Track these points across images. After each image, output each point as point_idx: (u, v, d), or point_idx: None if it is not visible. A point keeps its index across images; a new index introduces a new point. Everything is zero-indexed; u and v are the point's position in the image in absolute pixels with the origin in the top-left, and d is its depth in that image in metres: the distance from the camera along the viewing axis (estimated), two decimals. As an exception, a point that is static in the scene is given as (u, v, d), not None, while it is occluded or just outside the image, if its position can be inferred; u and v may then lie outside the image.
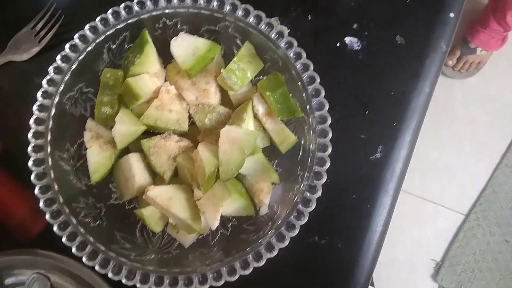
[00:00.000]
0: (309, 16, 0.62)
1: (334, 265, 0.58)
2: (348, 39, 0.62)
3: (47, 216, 0.49)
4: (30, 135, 0.50)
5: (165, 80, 0.57)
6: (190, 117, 0.56)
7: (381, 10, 0.63)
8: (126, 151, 0.56)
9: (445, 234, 1.73)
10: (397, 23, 0.63)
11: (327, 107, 0.49)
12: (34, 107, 0.51)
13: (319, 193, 0.48)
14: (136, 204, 0.57)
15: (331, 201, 0.59)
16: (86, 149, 0.55)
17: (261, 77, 0.55)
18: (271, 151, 0.56)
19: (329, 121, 0.49)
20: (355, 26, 0.63)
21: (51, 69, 0.51)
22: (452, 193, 1.76)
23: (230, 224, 0.56)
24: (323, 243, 0.59)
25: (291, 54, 0.50)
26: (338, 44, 0.63)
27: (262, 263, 0.47)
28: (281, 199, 0.54)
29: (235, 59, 0.52)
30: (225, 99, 0.57)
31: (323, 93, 0.49)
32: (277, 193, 0.55)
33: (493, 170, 1.77)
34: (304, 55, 0.50)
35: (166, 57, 0.57)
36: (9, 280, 0.59)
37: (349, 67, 0.62)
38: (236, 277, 0.47)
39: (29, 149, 0.50)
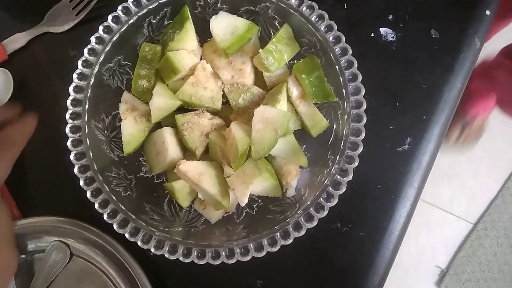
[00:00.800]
0: (345, 4, 0.63)
1: (355, 252, 0.59)
2: (383, 30, 0.63)
3: (81, 183, 0.50)
4: (68, 102, 0.51)
5: (201, 58, 0.58)
6: (224, 96, 0.57)
7: (417, 2, 0.63)
8: (158, 126, 0.57)
9: (452, 241, 1.73)
10: (432, 16, 0.63)
11: (363, 92, 0.49)
12: (74, 75, 0.51)
13: (350, 177, 0.49)
14: (164, 178, 0.58)
15: (356, 190, 0.59)
16: (120, 121, 0.56)
17: (295, 61, 0.56)
18: (300, 135, 0.57)
19: (364, 106, 0.49)
20: (390, 17, 0.63)
21: (93, 38, 0.52)
22: (462, 201, 1.76)
23: (256, 205, 0.56)
24: (345, 231, 0.59)
25: (330, 38, 0.51)
26: (372, 34, 0.63)
27: (289, 241, 0.48)
28: (308, 183, 0.54)
29: (273, 40, 0.53)
30: (259, 80, 0.57)
31: (359, 78, 0.50)
32: (305, 177, 0.56)
33: (504, 180, 1.77)
34: (343, 39, 0.50)
35: (203, 36, 0.58)
36: (30, 247, 0.60)
37: (382, 58, 0.62)
38: (264, 253, 0.47)
39: (67, 115, 0.51)
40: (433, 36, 0.62)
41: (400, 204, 0.59)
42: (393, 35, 0.63)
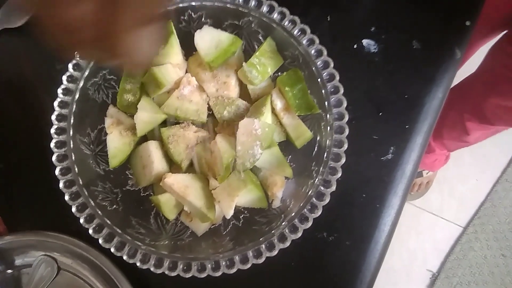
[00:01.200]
0: (328, 17, 0.64)
1: (341, 261, 0.59)
2: (365, 42, 0.64)
3: (67, 197, 0.50)
4: (53, 117, 0.51)
5: (186, 72, 0.58)
6: (209, 109, 0.57)
7: (399, 14, 0.65)
8: (143, 139, 0.57)
9: (442, 245, 1.74)
10: (414, 28, 0.64)
11: (345, 104, 0.50)
12: (59, 90, 0.52)
13: (333, 188, 0.49)
14: (151, 191, 0.58)
15: (341, 199, 0.60)
16: (106, 135, 0.56)
17: (279, 73, 0.57)
18: (285, 146, 0.57)
19: (347, 118, 0.50)
20: (372, 29, 0.64)
21: (77, 53, 0.52)
22: (451, 205, 1.77)
23: (242, 216, 0.57)
24: (331, 240, 0.60)
25: (312, 52, 0.52)
26: (355, 46, 0.64)
27: (274, 253, 0.48)
28: (294, 194, 0.55)
29: (257, 53, 0.54)
30: (243, 93, 0.58)
31: (341, 90, 0.50)
32: (290, 187, 0.56)
33: (493, 184, 1.78)
34: (325, 52, 0.51)
35: (188, 50, 0.59)
36: (17, 262, 0.60)
37: (365, 69, 0.63)
38: (249, 265, 0.48)
39: (52, 130, 0.51)
40: (414, 47, 0.64)
41: (385, 213, 0.60)
42: (375, 46, 0.64)
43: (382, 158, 0.61)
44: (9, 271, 0.60)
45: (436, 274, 1.71)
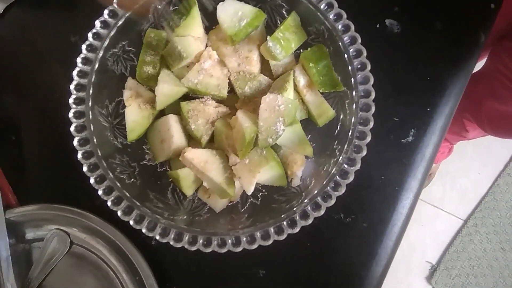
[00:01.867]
0: (351, -5, 0.63)
1: (358, 243, 0.59)
2: (388, 21, 0.63)
3: (85, 169, 0.49)
4: (72, 86, 0.50)
5: (207, 46, 0.57)
6: (229, 85, 0.56)
7: (423, -5, 0.63)
8: (161, 114, 0.56)
9: (442, 237, 1.74)
10: (437, 9, 0.63)
11: (371, 81, 0.49)
12: (78, 59, 0.50)
13: (358, 166, 0.48)
14: (167, 167, 0.57)
15: (359, 181, 0.58)
16: (124, 107, 0.55)
17: (301, 50, 0.55)
18: (305, 125, 0.56)
19: (373, 95, 0.49)
20: (396, 9, 0.63)
21: (97, 22, 0.51)
22: (453, 198, 1.77)
23: (260, 194, 0.56)
24: (348, 221, 0.59)
25: (339, 27, 0.50)
26: (378, 26, 0.63)
27: (296, 230, 0.47)
28: (314, 173, 0.54)
29: (281, 27, 0.52)
30: (265, 69, 0.57)
31: (368, 67, 0.49)
32: (310, 167, 0.56)
33: (495, 178, 1.78)
34: (352, 27, 0.50)
35: (209, 24, 0.57)
36: (28, 235, 0.59)
37: (387, 49, 0.62)
38: (270, 241, 0.47)
39: (71, 100, 0.50)
40: (437, 28, 0.63)
41: (404, 196, 0.60)
42: (398, 26, 0.63)
43: (402, 140, 0.60)
44: (21, 245, 0.59)
45: (435, 266, 1.71)
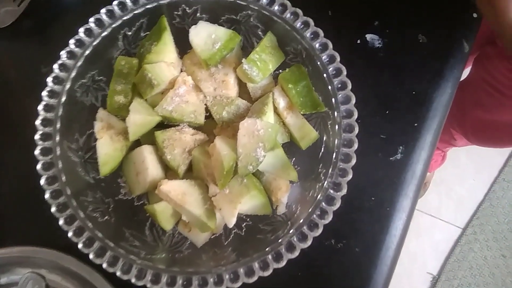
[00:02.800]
0: (329, 11, 0.61)
1: (351, 269, 0.56)
2: (369, 36, 0.61)
3: (53, 209, 0.45)
4: (38, 122, 0.47)
5: (181, 71, 0.55)
6: (206, 110, 0.53)
7: (403, 8, 0.62)
8: (136, 145, 0.53)
9: (442, 247, 1.72)
10: (419, 21, 0.61)
11: (353, 100, 0.47)
12: (44, 93, 0.48)
13: (344, 191, 0.46)
14: (145, 200, 0.54)
15: (349, 203, 0.56)
16: (95, 140, 0.52)
17: (280, 71, 0.53)
18: (288, 148, 0.54)
19: (356, 115, 0.47)
20: (376, 23, 0.61)
21: (63, 53, 0.49)
22: (449, 206, 1.75)
23: (245, 224, 0.53)
24: (340, 247, 0.56)
25: (317, 45, 0.48)
26: (358, 41, 0.61)
27: (282, 264, 0.44)
28: (300, 199, 0.51)
29: (257, 49, 0.50)
30: (243, 92, 0.55)
31: (349, 86, 0.47)
32: (295, 192, 0.53)
33: (490, 184, 1.77)
34: (330, 46, 0.48)
35: (183, 47, 0.55)
36: (1, 280, 0.55)
37: (369, 65, 0.60)
38: (255, 278, 0.44)
39: (36, 137, 0.47)
40: (420, 41, 0.61)
41: (396, 216, 0.57)
42: (379, 41, 0.61)
43: (390, 158, 0.58)
44: (-7, 290, 0.55)
45: (436, 277, 1.69)
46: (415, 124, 0.59)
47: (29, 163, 0.56)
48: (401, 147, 0.58)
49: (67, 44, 0.49)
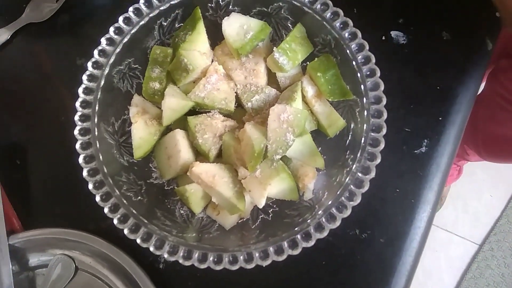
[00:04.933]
0: (355, 9, 0.63)
1: (375, 260, 0.56)
2: (393, 33, 0.63)
3: (90, 186, 0.47)
4: (78, 103, 0.49)
5: (213, 61, 0.57)
6: (236, 99, 0.55)
7: (427, 5, 0.63)
8: (168, 131, 0.55)
9: (458, 263, 1.69)
10: (443, 19, 0.63)
11: (382, 87, 0.48)
12: (84, 76, 0.50)
13: (373, 174, 0.47)
14: (175, 185, 0.56)
15: (373, 195, 0.56)
16: (130, 125, 0.54)
17: (307, 63, 0.55)
18: (315, 138, 0.55)
19: (384, 101, 0.48)
20: (401, 20, 0.63)
21: (103, 40, 0.51)
22: (466, 222, 1.73)
23: (271, 210, 0.54)
24: (364, 237, 0.57)
25: (346, 35, 0.50)
26: (383, 38, 0.63)
27: (311, 243, 0.45)
28: (326, 186, 0.52)
29: (287, 39, 0.52)
30: (272, 83, 0.56)
31: (378, 73, 0.49)
32: (321, 179, 0.54)
33: (508, 199, 1.75)
34: (359, 35, 0.50)
35: (213, 40, 0.57)
36: (32, 261, 0.57)
37: (394, 61, 0.61)
38: (284, 256, 0.45)
39: (76, 117, 0.49)
40: (444, 38, 0.62)
41: (420, 209, 0.57)
42: (404, 38, 0.62)
43: (415, 151, 0.59)
44: (24, 272, 0.56)
45: (452, 294, 1.65)
46: (440, 118, 0.59)
47: (65, 149, 0.58)
48: (425, 140, 0.59)
49: (99, 39, 0.51)
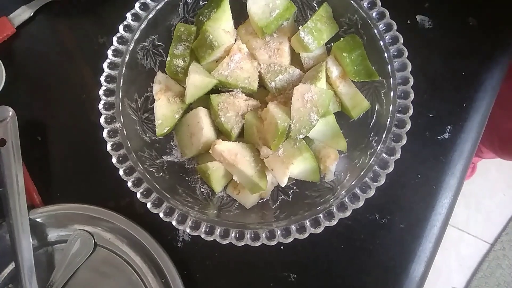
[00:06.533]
0: (380, -8, 0.62)
1: (395, 245, 0.56)
2: (419, 17, 0.62)
3: (114, 160, 0.47)
4: (102, 78, 0.49)
5: (236, 40, 0.56)
6: (259, 79, 0.55)
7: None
8: (190, 110, 0.55)
9: (469, 261, 1.67)
10: (469, 4, 0.62)
11: (409, 67, 0.48)
12: (109, 51, 0.50)
13: (398, 155, 0.46)
14: (195, 164, 0.56)
15: (394, 180, 0.56)
16: (152, 103, 0.54)
17: (332, 44, 0.54)
18: (338, 120, 0.54)
19: (411, 82, 0.47)
20: (426, 5, 0.62)
21: (129, 15, 0.51)
22: (478, 220, 1.71)
23: (291, 192, 0.54)
24: (384, 222, 0.56)
25: (374, 14, 0.49)
26: (408, 22, 0.62)
27: (334, 222, 0.45)
28: (348, 168, 0.52)
29: (313, 17, 0.52)
30: (295, 64, 0.56)
31: (406, 53, 0.48)
32: (343, 162, 0.53)
33: (521, 198, 1.73)
34: (387, 15, 0.49)
35: (236, 20, 0.57)
36: (51, 236, 0.57)
37: (419, 45, 0.60)
38: (306, 235, 0.45)
39: (101, 92, 0.49)
40: (470, 24, 0.61)
41: (442, 195, 0.57)
42: (429, 22, 0.62)
43: (438, 137, 0.58)
44: (44, 248, 0.57)
45: (461, 293, 1.63)
46: (464, 105, 0.59)
47: (86, 126, 0.59)
48: (449, 127, 0.58)
49: (124, 15, 0.51)
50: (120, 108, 0.49)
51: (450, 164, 0.57)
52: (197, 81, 0.50)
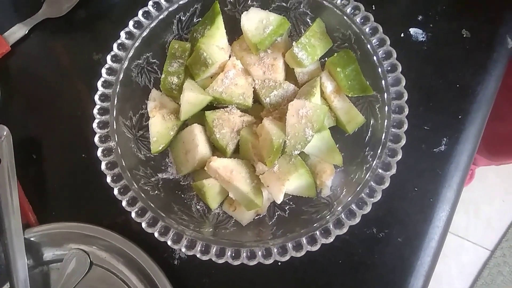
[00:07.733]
0: (373, 6, 0.62)
1: (393, 259, 0.55)
2: (412, 30, 0.62)
3: (108, 179, 0.47)
4: (96, 97, 0.49)
5: (230, 56, 0.56)
6: (254, 95, 0.55)
7: (446, 2, 0.63)
8: (185, 127, 0.55)
9: (469, 269, 1.66)
10: (463, 16, 0.62)
11: (403, 82, 0.48)
12: (103, 70, 0.50)
13: (394, 171, 0.46)
14: (191, 181, 0.55)
15: (391, 193, 0.55)
16: (147, 120, 0.54)
17: (326, 59, 0.54)
18: (333, 135, 0.54)
19: (406, 97, 0.47)
20: (420, 17, 0.62)
21: (122, 33, 0.51)
22: (477, 227, 1.70)
23: (288, 207, 0.53)
24: (382, 236, 0.56)
25: (367, 29, 0.49)
26: (402, 35, 0.62)
27: (331, 239, 0.44)
28: (344, 183, 0.52)
29: (307, 33, 0.52)
30: (290, 79, 0.56)
31: (399, 68, 0.48)
32: (339, 176, 0.53)
33: (521, 205, 1.72)
34: (380, 30, 0.49)
35: (231, 36, 0.57)
36: (47, 255, 0.57)
37: (413, 58, 0.61)
38: (303, 252, 0.44)
39: (95, 110, 0.49)
40: (464, 36, 0.61)
41: (439, 208, 0.56)
42: (423, 35, 0.62)
43: (434, 149, 0.58)
44: (39, 267, 0.56)
45: (462, 300, 1.63)
46: (459, 116, 0.59)
47: (81, 144, 0.58)
48: (445, 139, 0.58)
49: (117, 33, 0.51)
50: (115, 126, 0.49)
51: (446, 176, 0.57)
52: (192, 98, 0.50)
